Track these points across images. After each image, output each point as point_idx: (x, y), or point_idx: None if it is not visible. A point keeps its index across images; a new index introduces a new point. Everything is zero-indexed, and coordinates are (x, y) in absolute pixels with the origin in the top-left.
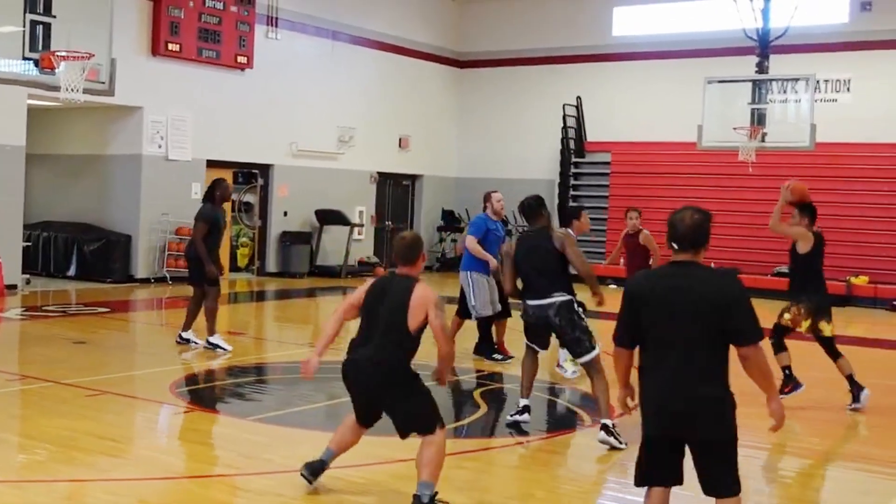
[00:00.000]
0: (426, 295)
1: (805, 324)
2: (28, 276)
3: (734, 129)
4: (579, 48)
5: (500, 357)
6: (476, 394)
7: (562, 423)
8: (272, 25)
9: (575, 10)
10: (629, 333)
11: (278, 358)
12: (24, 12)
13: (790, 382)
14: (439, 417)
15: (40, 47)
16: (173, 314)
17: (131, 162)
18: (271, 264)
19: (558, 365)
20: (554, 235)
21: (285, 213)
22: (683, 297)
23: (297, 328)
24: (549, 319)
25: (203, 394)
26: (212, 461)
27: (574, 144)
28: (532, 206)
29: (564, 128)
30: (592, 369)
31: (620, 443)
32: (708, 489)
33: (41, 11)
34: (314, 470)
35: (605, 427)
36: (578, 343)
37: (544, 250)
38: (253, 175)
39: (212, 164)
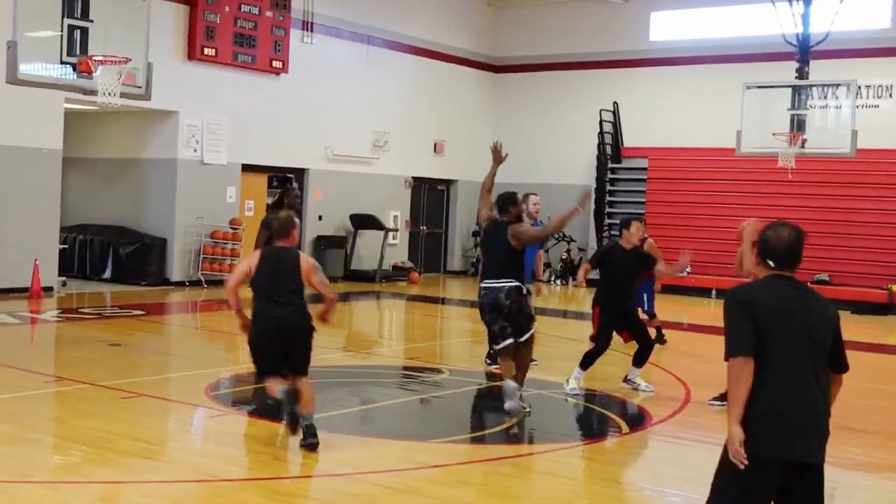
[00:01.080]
0: (310, 260)
1: None
2: (64, 278)
3: (773, 135)
4: (616, 53)
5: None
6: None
7: (598, 429)
8: (307, 30)
9: (612, 15)
10: (752, 342)
11: (312, 362)
12: (62, 17)
13: None
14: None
15: (78, 52)
16: (208, 317)
17: (167, 166)
18: None
19: (626, 380)
20: (510, 229)
21: (320, 218)
22: (809, 314)
23: (332, 332)
24: (500, 301)
25: (237, 397)
26: (246, 464)
27: (611, 150)
28: (502, 202)
29: (601, 133)
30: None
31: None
32: None
33: (79, 16)
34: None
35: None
36: (520, 330)
37: (501, 241)
38: (288, 179)
39: (247, 168)
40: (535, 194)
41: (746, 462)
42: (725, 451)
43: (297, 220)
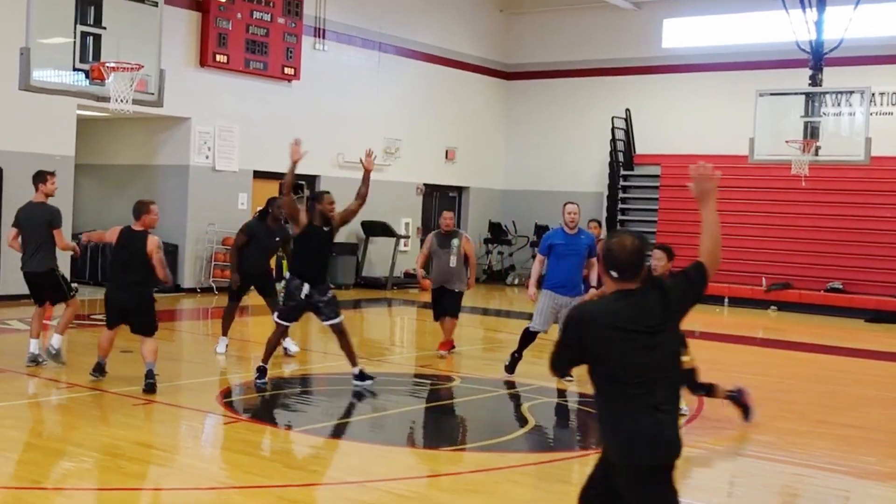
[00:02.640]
0: (154, 241)
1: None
2: (76, 284)
3: (787, 142)
4: (629, 60)
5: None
6: (524, 408)
7: None
8: (319, 37)
9: (625, 22)
10: (567, 367)
11: (324, 369)
12: (75, 24)
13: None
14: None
15: (90, 58)
16: (219, 324)
17: (179, 172)
18: None
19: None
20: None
21: None
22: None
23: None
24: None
25: (249, 404)
26: (257, 472)
27: (623, 157)
28: (309, 203)
29: (613, 140)
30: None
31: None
32: None
33: (92, 23)
34: (99, 368)
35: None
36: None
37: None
38: (299, 186)
39: (258, 174)
40: (573, 203)
41: None
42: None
43: (146, 206)
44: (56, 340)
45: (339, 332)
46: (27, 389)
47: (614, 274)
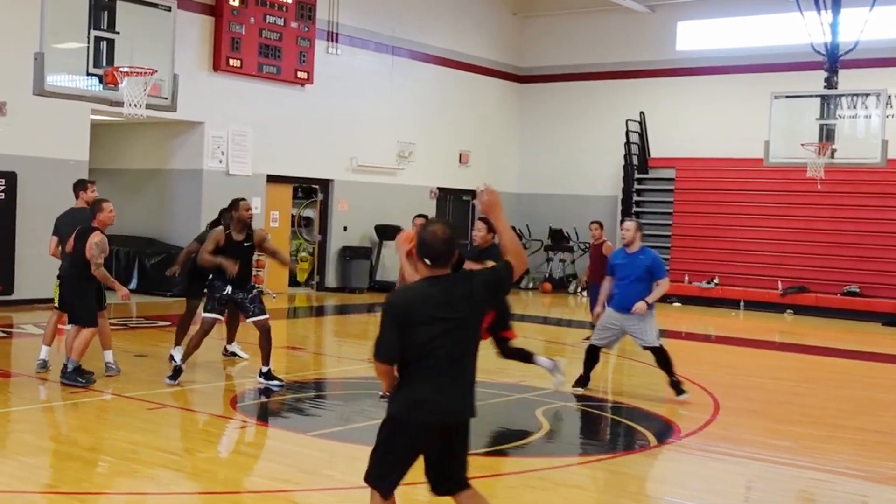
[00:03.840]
0: (93, 237)
1: None
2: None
3: (802, 145)
4: (643, 63)
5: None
6: (539, 412)
7: (625, 442)
8: (332, 41)
9: (638, 25)
10: (395, 351)
11: (337, 374)
12: (89, 29)
13: None
14: (94, 318)
15: (104, 63)
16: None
17: (192, 176)
18: (331, 279)
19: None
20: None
21: (345, 228)
22: (450, 305)
23: (356, 344)
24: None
25: (263, 408)
26: (271, 476)
27: (637, 160)
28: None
29: (627, 143)
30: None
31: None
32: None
33: (105, 28)
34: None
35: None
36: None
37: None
38: (313, 190)
39: (272, 178)
40: (630, 219)
41: None
42: (384, 425)
43: (98, 205)
44: (108, 355)
45: (264, 329)
46: (42, 394)
47: (427, 262)
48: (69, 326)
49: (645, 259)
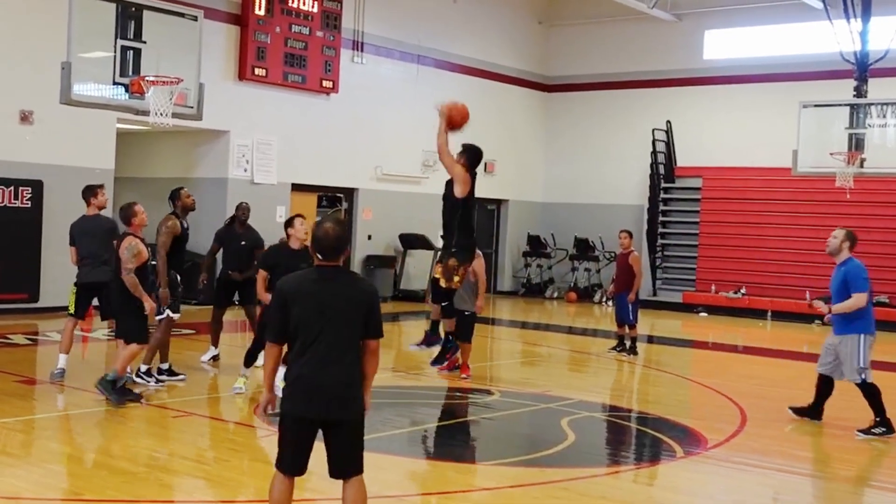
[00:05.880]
0: (125, 242)
1: (456, 279)
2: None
3: (831, 154)
4: (669, 72)
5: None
6: (564, 423)
7: (651, 453)
8: (357, 50)
9: (665, 34)
10: (281, 331)
11: None
12: (115, 38)
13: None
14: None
15: (130, 72)
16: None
17: (217, 185)
18: None
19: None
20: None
21: (369, 237)
22: (335, 298)
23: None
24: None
25: None
26: (296, 485)
27: (664, 169)
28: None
29: (654, 152)
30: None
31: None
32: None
33: (132, 37)
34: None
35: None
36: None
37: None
38: (338, 199)
39: (297, 187)
40: (839, 227)
41: (269, 416)
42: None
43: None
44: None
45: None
46: (66, 400)
47: (319, 256)
48: (91, 334)
49: (843, 270)
